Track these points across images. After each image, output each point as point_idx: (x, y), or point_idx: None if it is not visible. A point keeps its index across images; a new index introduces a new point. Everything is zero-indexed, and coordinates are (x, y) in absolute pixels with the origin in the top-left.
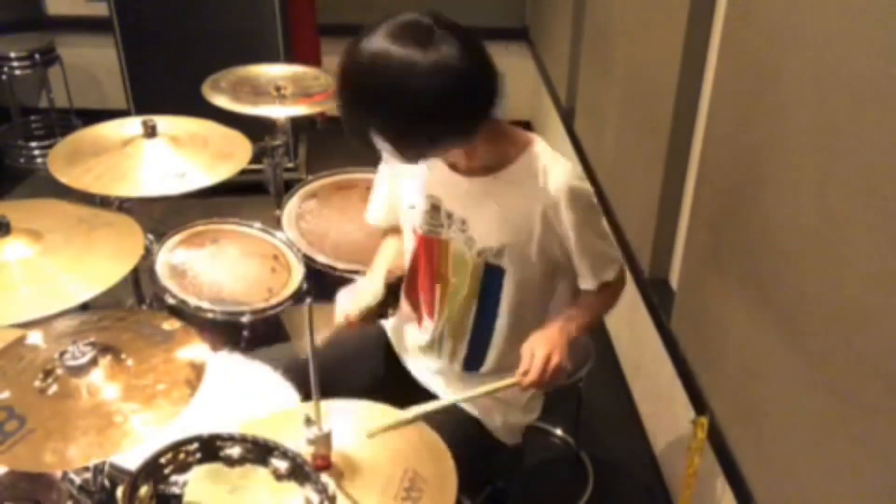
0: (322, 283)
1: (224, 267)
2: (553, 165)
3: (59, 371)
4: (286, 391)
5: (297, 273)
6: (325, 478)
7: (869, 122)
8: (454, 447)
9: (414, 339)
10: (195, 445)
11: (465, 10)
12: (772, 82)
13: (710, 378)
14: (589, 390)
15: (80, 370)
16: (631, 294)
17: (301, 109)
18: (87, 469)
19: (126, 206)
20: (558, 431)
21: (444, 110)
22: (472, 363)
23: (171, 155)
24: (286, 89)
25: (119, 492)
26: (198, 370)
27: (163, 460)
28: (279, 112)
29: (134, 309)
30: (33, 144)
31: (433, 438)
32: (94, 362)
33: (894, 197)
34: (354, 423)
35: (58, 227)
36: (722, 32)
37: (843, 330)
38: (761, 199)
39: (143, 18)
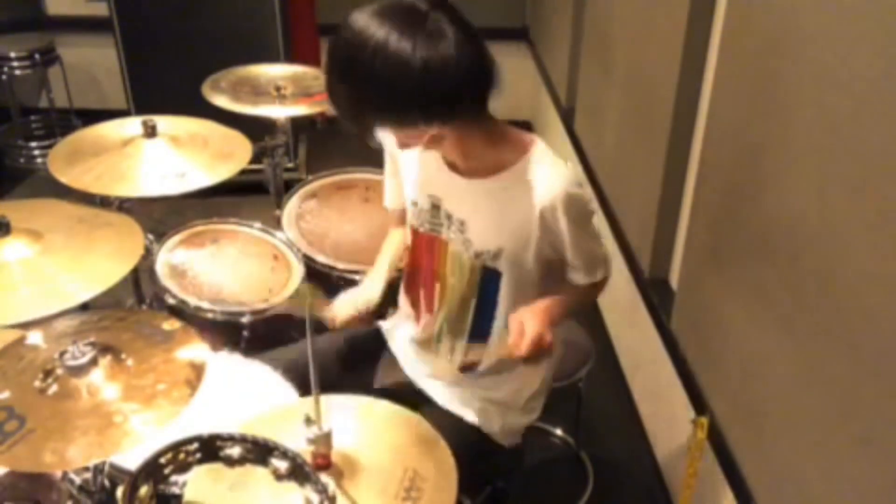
0: (322, 283)
1: (224, 267)
2: (551, 170)
3: (59, 371)
4: (286, 391)
5: (297, 273)
6: (325, 477)
7: (869, 122)
8: (453, 451)
9: (411, 336)
10: (195, 445)
11: (465, 10)
12: (772, 82)
13: (710, 378)
14: (589, 390)
15: (80, 370)
16: (631, 294)
17: (301, 109)
18: (87, 469)
19: (126, 206)
20: (558, 431)
21: (437, 76)
22: (469, 364)
23: (171, 155)
24: (286, 89)
25: (119, 492)
26: (198, 370)
27: (163, 460)
28: (279, 112)
29: (134, 309)
30: (33, 144)
31: (434, 437)
32: (94, 362)
33: (894, 197)
34: (355, 422)
35: (58, 227)
36: (722, 32)
37: (843, 330)
38: (761, 199)
39: (143, 18)
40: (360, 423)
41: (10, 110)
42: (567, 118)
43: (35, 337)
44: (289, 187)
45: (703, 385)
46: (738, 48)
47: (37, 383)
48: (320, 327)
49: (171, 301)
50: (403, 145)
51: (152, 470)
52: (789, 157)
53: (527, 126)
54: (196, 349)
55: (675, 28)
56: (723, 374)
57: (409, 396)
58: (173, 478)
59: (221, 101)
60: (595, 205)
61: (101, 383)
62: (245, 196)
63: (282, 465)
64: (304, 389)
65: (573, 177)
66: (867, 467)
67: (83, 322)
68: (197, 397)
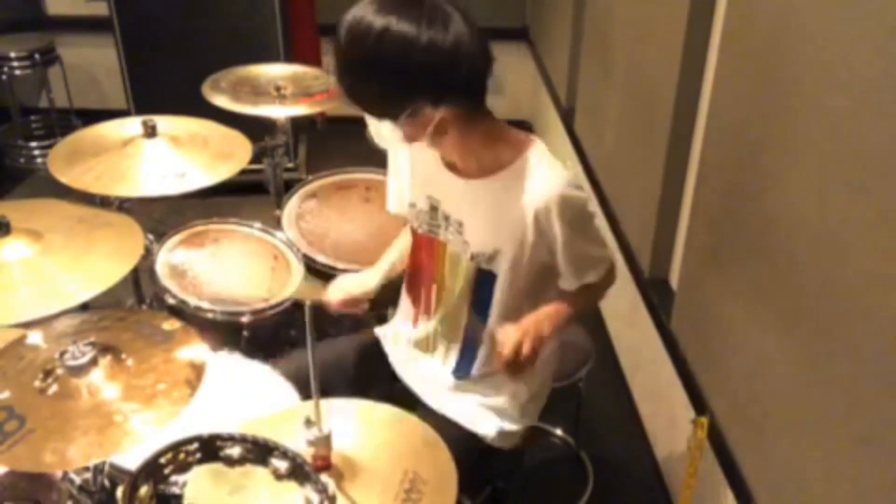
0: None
1: (224, 267)
2: (547, 172)
3: (59, 371)
4: (286, 391)
5: (297, 273)
6: (324, 478)
7: (869, 122)
8: (451, 454)
9: (408, 337)
10: (195, 445)
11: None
12: (772, 82)
13: (710, 378)
14: (589, 390)
15: (80, 370)
16: (631, 294)
17: (301, 109)
18: (87, 469)
19: (126, 206)
20: (558, 431)
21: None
22: (463, 366)
23: (171, 155)
24: (286, 89)
25: (119, 492)
26: (198, 370)
27: (163, 460)
28: (279, 112)
29: (134, 309)
30: (33, 144)
31: (434, 440)
32: (94, 362)
33: (894, 197)
34: (354, 423)
35: (58, 227)
36: (722, 32)
37: (844, 330)
38: (761, 199)
39: (143, 18)
40: (359, 426)
41: (10, 110)
42: (567, 118)
43: (35, 337)
44: (289, 187)
45: (703, 385)
46: (738, 48)
47: (37, 383)
48: (322, 332)
49: (171, 301)
50: (410, 138)
51: (152, 470)
52: (789, 156)
53: (527, 126)
54: (196, 349)
55: (675, 28)
56: (723, 374)
57: (407, 399)
58: (173, 478)
59: (221, 101)
60: (595, 206)
61: (101, 383)
62: (245, 196)
63: (282, 464)
64: (307, 395)
65: (570, 178)
66: (867, 467)
67: (83, 322)
68: (197, 397)
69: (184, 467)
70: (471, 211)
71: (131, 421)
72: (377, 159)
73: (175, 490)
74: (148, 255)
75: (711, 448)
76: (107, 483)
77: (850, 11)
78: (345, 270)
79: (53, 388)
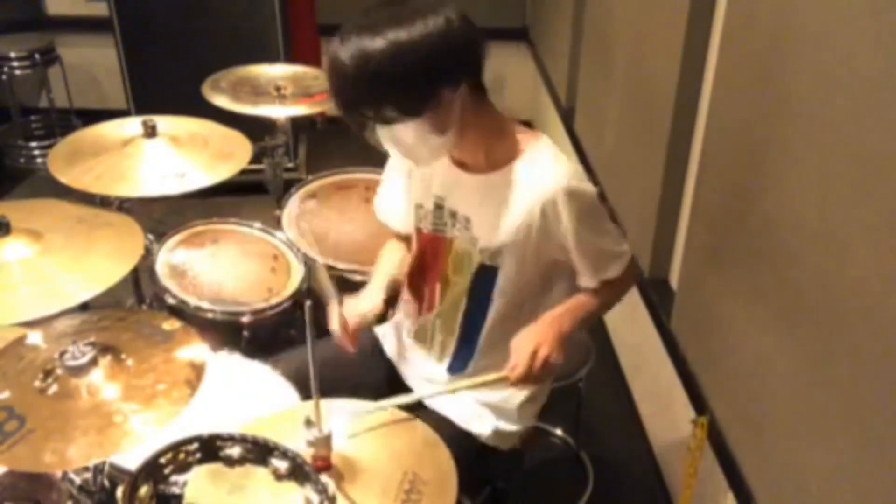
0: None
1: (224, 267)
2: (553, 165)
3: (59, 371)
4: (286, 391)
5: (297, 273)
6: (324, 479)
7: (869, 122)
8: (450, 454)
9: (408, 331)
10: (195, 445)
11: (465, 11)
12: (772, 82)
13: (710, 378)
14: (589, 390)
15: (80, 370)
16: (631, 294)
17: (301, 109)
18: (87, 469)
19: (126, 206)
20: (558, 431)
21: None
22: (459, 362)
23: (171, 155)
24: (286, 89)
25: (119, 492)
26: (198, 370)
27: (163, 460)
28: (279, 112)
29: (134, 309)
30: (33, 144)
31: (434, 440)
32: (94, 362)
33: (894, 197)
34: (354, 424)
35: (58, 227)
36: (722, 32)
37: (844, 330)
38: (761, 199)
39: (143, 18)
40: (359, 426)
41: (10, 110)
42: (567, 118)
43: (35, 337)
44: (289, 187)
45: (703, 385)
46: (738, 48)
47: (37, 383)
48: (322, 331)
49: (171, 301)
50: (440, 129)
51: (152, 470)
52: (789, 156)
53: (527, 126)
54: (196, 349)
55: (675, 28)
56: (723, 374)
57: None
58: (173, 478)
59: (221, 101)
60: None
61: (101, 383)
62: (245, 196)
63: (282, 464)
64: (307, 395)
65: (576, 172)
66: (867, 467)
67: (83, 322)
68: (197, 397)
69: (184, 467)
70: (479, 206)
71: (131, 421)
72: (377, 159)
73: (175, 490)
74: (148, 255)
75: (711, 448)
76: (107, 483)
77: (850, 11)
78: (345, 270)
79: (53, 388)
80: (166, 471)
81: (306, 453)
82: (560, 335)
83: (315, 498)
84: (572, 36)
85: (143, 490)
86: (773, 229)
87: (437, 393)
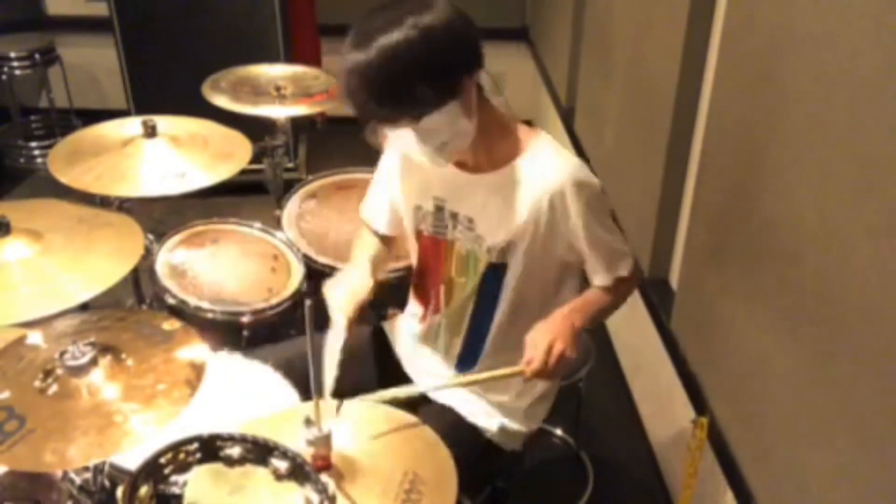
0: (322, 283)
1: (224, 267)
2: (559, 159)
3: (59, 371)
4: (286, 391)
5: (297, 273)
6: (324, 479)
7: (869, 122)
8: (452, 452)
9: (415, 331)
10: (195, 445)
11: (465, 11)
12: (772, 82)
13: (710, 378)
14: (589, 390)
15: (80, 370)
16: (631, 294)
17: (301, 109)
18: (87, 469)
19: (126, 206)
20: (558, 431)
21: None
22: (466, 363)
23: (171, 155)
24: (286, 89)
25: (119, 492)
26: (198, 370)
27: (163, 460)
28: (279, 112)
29: (134, 309)
30: (33, 144)
31: (434, 440)
32: (94, 362)
33: (894, 197)
34: (354, 423)
35: (58, 227)
36: (722, 32)
37: (844, 329)
38: (761, 199)
39: (143, 18)
40: (360, 425)
41: (10, 110)
42: (567, 118)
43: (35, 337)
44: (289, 187)
45: (703, 385)
46: (738, 48)
47: (37, 383)
48: (321, 327)
49: (171, 301)
50: (466, 114)
51: (152, 470)
52: (789, 156)
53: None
54: (196, 349)
55: (675, 28)
56: (723, 374)
57: (411, 397)
58: (173, 478)
59: (221, 101)
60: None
61: (101, 383)
62: (245, 196)
63: (282, 465)
64: (301, 388)
65: (581, 164)
66: (867, 467)
67: (83, 322)
68: (197, 397)
69: (184, 467)
70: (482, 205)
71: (131, 421)
72: (377, 159)
73: (175, 490)
74: (148, 255)
75: (711, 448)
76: (107, 483)
77: (850, 11)
78: None
79: (53, 388)
80: (166, 471)
81: (306, 453)
82: (574, 330)
83: (315, 498)
84: (572, 36)
85: (143, 490)
86: (773, 229)
87: (453, 384)
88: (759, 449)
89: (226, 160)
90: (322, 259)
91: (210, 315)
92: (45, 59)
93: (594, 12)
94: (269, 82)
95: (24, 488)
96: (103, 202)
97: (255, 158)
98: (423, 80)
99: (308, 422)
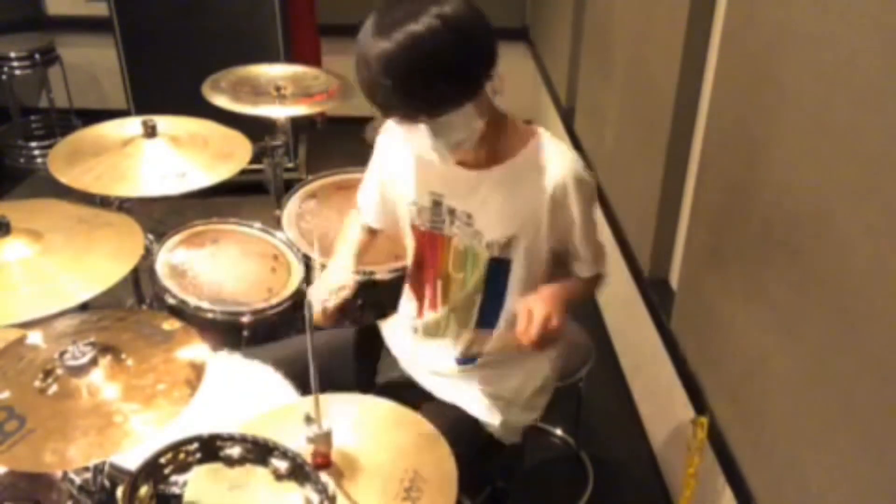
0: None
1: (224, 267)
2: (560, 154)
3: (59, 371)
4: (286, 391)
5: (297, 273)
6: (324, 477)
7: (868, 122)
8: (454, 447)
9: (414, 326)
10: (195, 445)
11: None
12: (772, 82)
13: (709, 378)
14: (589, 390)
15: (80, 370)
16: (631, 294)
17: (301, 109)
18: (87, 469)
19: (126, 206)
20: (558, 431)
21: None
22: (471, 353)
23: (171, 155)
24: (286, 89)
25: (119, 492)
26: (198, 370)
27: (163, 460)
28: (279, 112)
29: (134, 309)
30: (33, 144)
31: (435, 438)
32: (94, 362)
33: (894, 197)
34: (355, 421)
35: (58, 227)
36: (722, 32)
37: (844, 329)
38: (761, 199)
39: (143, 18)
40: (360, 423)
41: (10, 110)
42: (567, 118)
43: (35, 337)
44: (289, 187)
45: (703, 385)
46: (738, 48)
47: (37, 383)
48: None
49: (171, 301)
50: (481, 112)
51: (152, 470)
52: (789, 156)
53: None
54: (196, 349)
55: (675, 28)
56: (723, 374)
57: (409, 394)
58: (173, 478)
59: (221, 101)
60: (595, 205)
61: (101, 383)
62: (245, 196)
63: (282, 464)
64: (301, 386)
65: (580, 160)
66: (867, 467)
67: (83, 322)
68: (197, 397)
69: (184, 467)
70: (481, 201)
71: (131, 421)
72: None
73: (175, 490)
74: (148, 255)
75: (711, 448)
76: (107, 483)
77: (850, 11)
78: None
79: (53, 388)
80: (166, 471)
81: (306, 450)
82: (564, 305)
83: (315, 498)
84: (572, 36)
85: (143, 490)
86: (773, 229)
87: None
88: (759, 449)
89: (226, 160)
90: (322, 259)
91: (210, 315)
92: (45, 59)
93: (594, 12)
94: (269, 82)
95: (24, 488)
96: (103, 202)
97: (255, 158)
98: (447, 71)
99: (308, 419)
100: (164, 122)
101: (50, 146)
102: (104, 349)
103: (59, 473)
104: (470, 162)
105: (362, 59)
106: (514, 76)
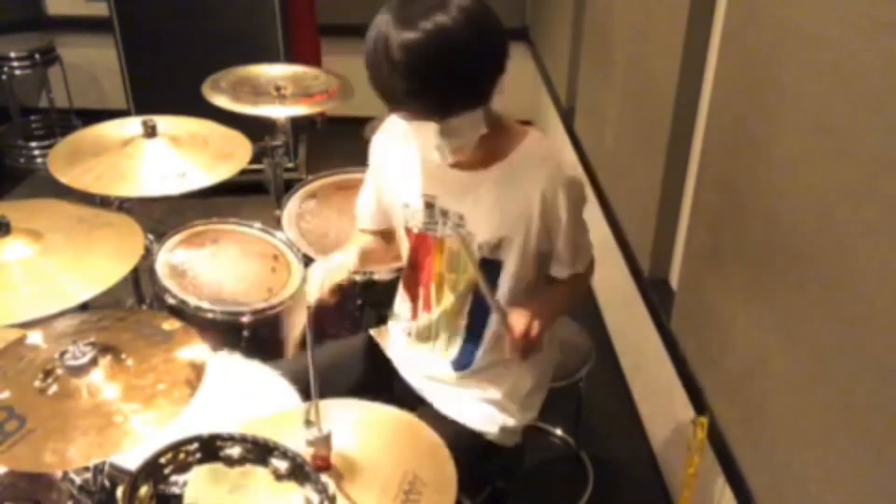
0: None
1: (224, 267)
2: (550, 154)
3: (59, 371)
4: (286, 391)
5: (297, 273)
6: (324, 479)
7: (868, 122)
8: (453, 455)
9: (408, 330)
10: (195, 445)
11: None
12: (772, 82)
13: (710, 378)
14: (589, 390)
15: (80, 370)
16: (631, 294)
17: (301, 109)
18: (87, 469)
19: (126, 206)
20: (558, 431)
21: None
22: (464, 358)
23: (171, 155)
24: (286, 89)
25: (119, 492)
26: (198, 370)
27: (163, 460)
28: (279, 112)
29: (134, 309)
30: (33, 144)
31: (434, 441)
32: (94, 362)
33: (894, 196)
34: (355, 424)
35: (58, 227)
36: (722, 32)
37: (844, 329)
38: (761, 199)
39: (143, 18)
40: (359, 426)
41: (10, 110)
42: (567, 118)
43: (35, 337)
44: (289, 187)
45: (703, 385)
46: (738, 47)
47: (37, 383)
48: (322, 334)
49: (171, 301)
50: (488, 114)
51: (152, 470)
52: (789, 156)
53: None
54: (196, 349)
55: (675, 28)
56: (723, 374)
57: (407, 399)
58: (173, 478)
59: (221, 101)
60: (595, 205)
61: (101, 383)
62: (245, 196)
63: (282, 465)
64: (307, 396)
65: (570, 162)
66: (867, 467)
67: (83, 322)
68: (197, 397)
69: (184, 467)
70: (473, 202)
71: (131, 421)
72: None
73: (175, 490)
74: (148, 255)
75: (711, 448)
76: (107, 483)
77: (849, 11)
78: None
79: (53, 388)
80: (166, 471)
81: (306, 453)
82: (549, 319)
83: (315, 498)
84: (572, 36)
85: (143, 490)
86: (773, 229)
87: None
88: (759, 449)
89: (226, 160)
90: (322, 259)
91: (210, 315)
92: (45, 59)
93: (594, 12)
94: (269, 82)
95: (24, 488)
96: (103, 202)
97: (255, 158)
98: (468, 66)
99: (308, 422)
100: (164, 122)
101: (50, 146)
102: (104, 349)
103: (59, 473)
104: (463, 163)
105: (380, 51)
106: (514, 76)
